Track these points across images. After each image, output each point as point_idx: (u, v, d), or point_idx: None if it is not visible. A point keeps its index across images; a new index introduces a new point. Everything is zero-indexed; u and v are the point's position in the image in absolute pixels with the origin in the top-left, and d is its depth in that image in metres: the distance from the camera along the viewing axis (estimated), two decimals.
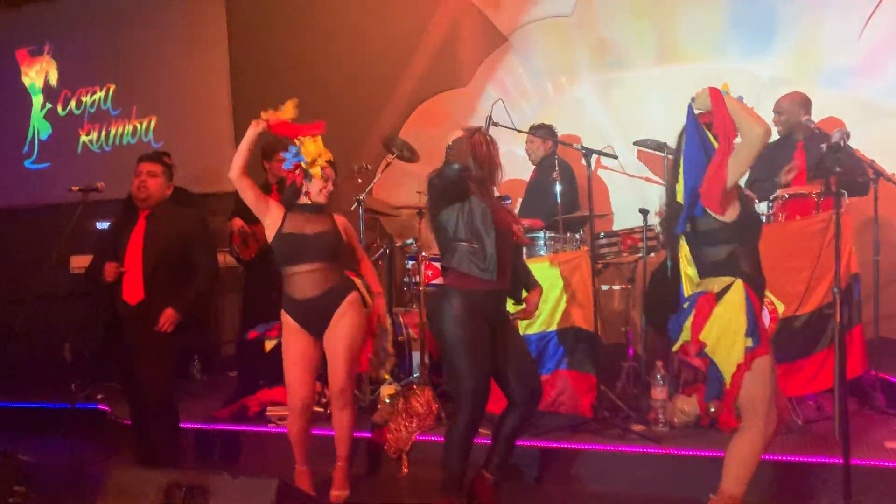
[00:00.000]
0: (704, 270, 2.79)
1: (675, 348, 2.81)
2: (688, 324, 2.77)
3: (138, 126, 7.00)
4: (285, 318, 3.51)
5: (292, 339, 3.48)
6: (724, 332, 2.68)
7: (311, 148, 3.45)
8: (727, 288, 2.70)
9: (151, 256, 3.64)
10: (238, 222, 5.08)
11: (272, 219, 3.50)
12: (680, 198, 2.73)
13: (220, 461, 4.39)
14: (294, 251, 3.43)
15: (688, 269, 4.19)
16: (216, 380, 5.77)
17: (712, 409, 3.90)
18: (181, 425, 3.92)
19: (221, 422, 4.49)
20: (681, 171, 2.71)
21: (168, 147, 6.33)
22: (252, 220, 5.06)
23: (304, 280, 3.43)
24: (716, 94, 2.67)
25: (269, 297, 5.06)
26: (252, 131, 3.41)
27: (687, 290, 2.91)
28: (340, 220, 3.60)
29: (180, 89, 6.85)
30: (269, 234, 3.50)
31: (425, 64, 6.07)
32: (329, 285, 3.44)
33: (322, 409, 4.31)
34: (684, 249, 2.88)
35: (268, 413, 4.48)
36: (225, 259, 5.35)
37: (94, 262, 3.81)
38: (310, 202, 3.50)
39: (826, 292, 3.90)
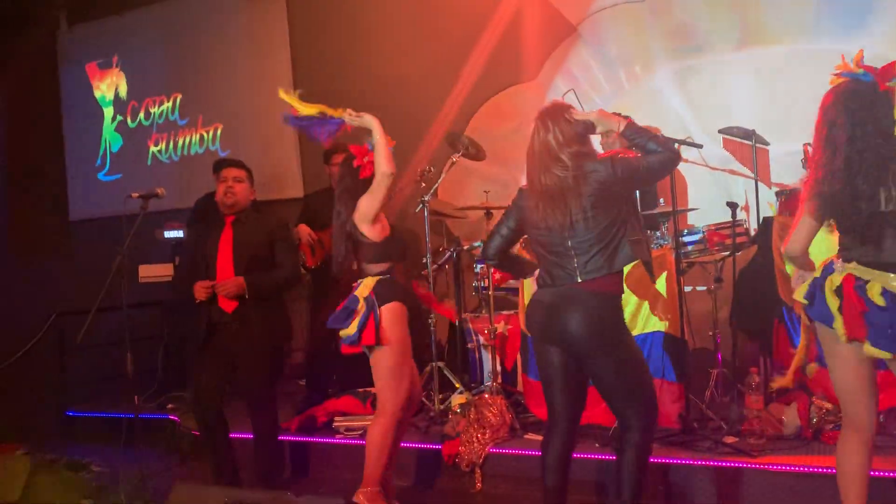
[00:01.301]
0: None
1: None
2: None
3: (205, 135, 7.04)
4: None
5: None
6: None
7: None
8: None
9: (242, 262, 3.70)
10: (305, 229, 5.00)
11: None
12: None
13: (287, 474, 4.29)
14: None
15: (782, 265, 3.90)
16: (283, 388, 5.68)
17: (814, 420, 3.60)
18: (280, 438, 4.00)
19: (288, 432, 4.39)
20: None
21: (234, 155, 6.33)
22: (318, 227, 4.99)
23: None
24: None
25: (336, 304, 4.97)
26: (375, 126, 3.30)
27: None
28: None
29: (244, 96, 6.86)
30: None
31: (490, 58, 5.86)
32: None
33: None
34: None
35: (335, 423, 4.35)
36: None
37: (179, 272, 3.85)
38: None
39: None
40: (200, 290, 3.62)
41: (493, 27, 5.83)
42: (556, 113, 2.82)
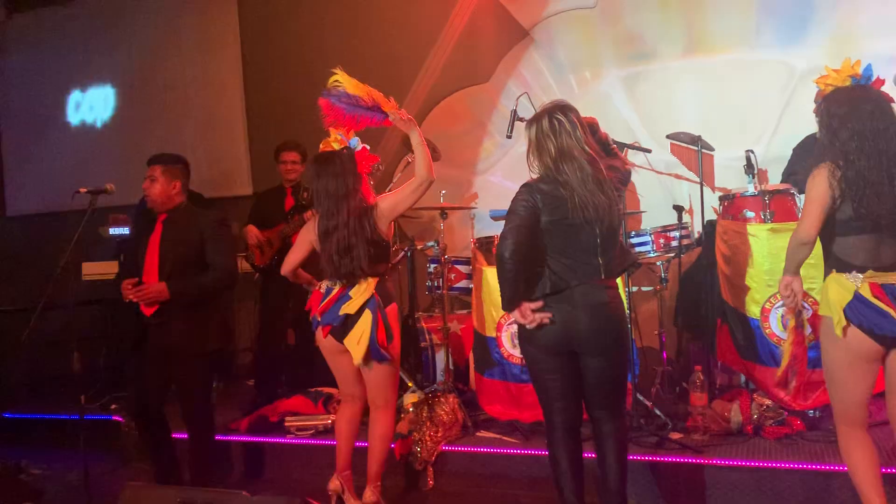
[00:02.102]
0: None
1: None
2: None
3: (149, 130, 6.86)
4: None
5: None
6: None
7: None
8: None
9: (168, 262, 3.51)
10: (253, 230, 4.94)
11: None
12: None
13: (238, 474, 4.24)
14: None
15: (724, 267, 4.03)
16: (232, 389, 5.63)
17: (756, 416, 3.73)
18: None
19: (239, 433, 4.33)
20: None
21: (181, 151, 6.21)
22: (266, 225, 4.95)
23: None
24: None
25: (285, 305, 4.94)
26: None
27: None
28: None
29: (192, 91, 6.73)
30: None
31: (445, 59, 5.90)
32: None
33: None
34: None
35: (286, 423, 4.31)
36: (241, 265, 5.23)
37: (121, 270, 3.68)
38: None
39: None
40: (126, 290, 3.44)
41: (447, 29, 5.86)
42: (572, 109, 2.82)
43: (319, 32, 6.23)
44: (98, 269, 5.64)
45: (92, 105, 7.15)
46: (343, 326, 3.25)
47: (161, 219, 3.61)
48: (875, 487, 2.63)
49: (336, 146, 3.35)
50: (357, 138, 3.36)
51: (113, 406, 5.07)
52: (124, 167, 6.38)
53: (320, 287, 3.36)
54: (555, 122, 2.74)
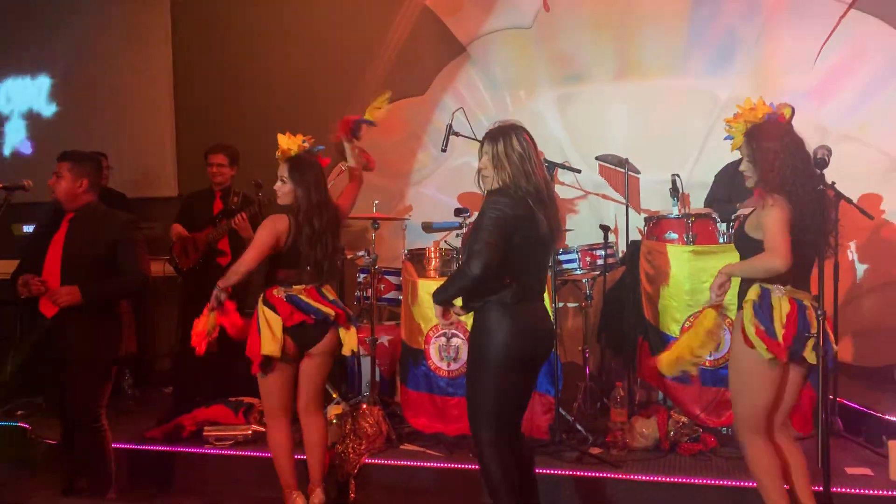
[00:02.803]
0: None
1: None
2: None
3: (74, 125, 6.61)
4: None
5: None
6: None
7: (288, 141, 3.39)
8: None
9: (71, 263, 3.37)
10: (178, 229, 4.80)
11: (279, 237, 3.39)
12: None
13: (151, 485, 4.09)
14: None
15: (647, 286, 4.15)
16: (148, 396, 5.45)
17: (672, 433, 3.84)
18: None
19: (154, 442, 4.19)
20: None
21: (105, 148, 6.00)
22: (193, 228, 4.82)
23: None
24: None
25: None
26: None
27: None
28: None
29: (119, 88, 6.51)
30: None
31: (383, 71, 5.90)
32: None
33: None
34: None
35: (205, 433, 4.19)
36: (164, 268, 5.09)
37: (18, 269, 3.49)
38: None
39: None
40: (22, 286, 3.31)
41: (386, 41, 5.88)
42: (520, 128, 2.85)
43: (253, 38, 6.15)
44: (9, 268, 5.36)
45: (10, 97, 6.84)
46: (322, 328, 3.27)
47: (67, 217, 3.46)
48: (783, 495, 2.75)
49: (296, 149, 3.33)
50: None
51: (19, 412, 4.83)
52: (47, 163, 6.14)
53: (277, 293, 3.27)
54: (523, 141, 2.78)
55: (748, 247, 2.79)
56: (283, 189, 3.31)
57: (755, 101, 2.85)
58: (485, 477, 2.78)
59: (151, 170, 6.43)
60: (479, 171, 2.85)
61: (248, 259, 3.23)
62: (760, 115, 2.82)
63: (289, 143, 3.34)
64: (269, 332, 3.19)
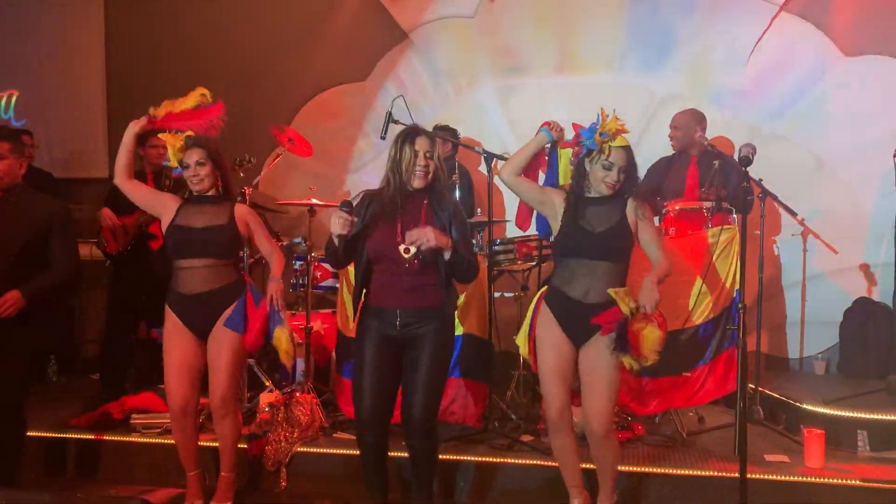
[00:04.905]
0: None
1: None
2: None
3: None
4: (168, 313, 3.26)
5: (175, 339, 3.24)
6: None
7: (167, 139, 3.27)
8: None
9: (2, 251, 3.23)
10: (108, 213, 4.67)
11: (167, 212, 3.29)
12: None
13: (77, 474, 3.99)
14: (179, 243, 3.21)
15: None
16: (75, 383, 5.31)
17: None
18: (28, 434, 3.52)
19: (79, 430, 4.07)
20: None
21: (31, 126, 5.78)
22: (124, 211, 4.69)
23: (191, 275, 3.21)
24: None
25: (137, 295, 4.70)
26: (131, 131, 3.24)
27: None
28: (241, 211, 3.34)
29: (48, 63, 6.26)
30: (164, 228, 3.28)
31: (325, 53, 5.84)
32: (218, 284, 3.22)
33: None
34: None
35: (133, 421, 4.09)
36: (91, 251, 4.94)
37: None
38: (203, 193, 3.31)
39: (711, 307, 3.99)
40: None
41: (328, 25, 5.81)
42: None
43: (191, 14, 6.02)
44: None
45: None
46: None
47: None
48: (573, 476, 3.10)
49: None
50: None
51: None
52: None
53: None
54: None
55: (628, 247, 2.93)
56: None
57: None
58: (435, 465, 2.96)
59: (81, 149, 6.21)
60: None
61: None
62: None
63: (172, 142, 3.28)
64: None
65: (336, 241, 2.82)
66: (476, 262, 2.99)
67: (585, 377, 2.94)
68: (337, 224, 2.77)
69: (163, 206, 3.29)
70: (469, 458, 3.67)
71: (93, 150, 6.20)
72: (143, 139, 4.80)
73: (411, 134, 2.91)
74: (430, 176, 2.90)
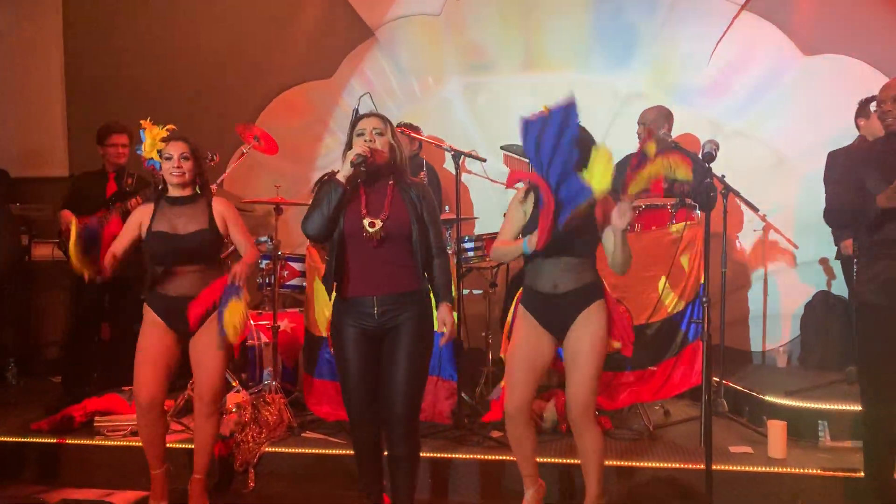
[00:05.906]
0: None
1: None
2: None
3: None
4: (147, 310, 3.19)
5: (152, 334, 3.17)
6: None
7: (146, 134, 3.20)
8: None
9: None
10: (68, 215, 4.56)
11: (142, 222, 3.22)
12: None
13: (37, 480, 3.89)
14: (163, 253, 3.15)
15: None
16: (35, 386, 5.18)
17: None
18: None
19: (40, 434, 3.98)
20: None
21: None
22: (84, 211, 4.59)
23: (178, 279, 3.16)
24: None
25: (101, 297, 4.62)
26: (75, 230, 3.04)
27: None
28: (218, 207, 3.28)
29: (3, 57, 6.10)
30: (143, 234, 3.21)
31: (290, 51, 5.78)
32: (205, 286, 3.15)
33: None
34: None
35: (96, 424, 4.02)
36: (52, 252, 4.84)
37: None
38: (179, 193, 3.23)
39: (676, 301, 4.05)
40: None
41: (291, 21, 5.76)
42: None
43: (153, 9, 5.91)
44: None
45: None
46: None
47: None
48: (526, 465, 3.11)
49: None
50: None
51: None
52: None
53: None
54: None
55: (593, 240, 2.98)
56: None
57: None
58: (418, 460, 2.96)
59: (39, 147, 6.07)
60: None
61: None
62: None
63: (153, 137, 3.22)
64: None
65: (353, 169, 2.72)
66: (446, 249, 3.00)
67: (568, 365, 2.95)
68: (359, 145, 2.74)
69: (137, 227, 3.21)
70: (440, 455, 3.67)
71: (51, 148, 6.06)
72: (101, 137, 4.73)
73: (361, 116, 2.91)
74: (385, 152, 2.85)
